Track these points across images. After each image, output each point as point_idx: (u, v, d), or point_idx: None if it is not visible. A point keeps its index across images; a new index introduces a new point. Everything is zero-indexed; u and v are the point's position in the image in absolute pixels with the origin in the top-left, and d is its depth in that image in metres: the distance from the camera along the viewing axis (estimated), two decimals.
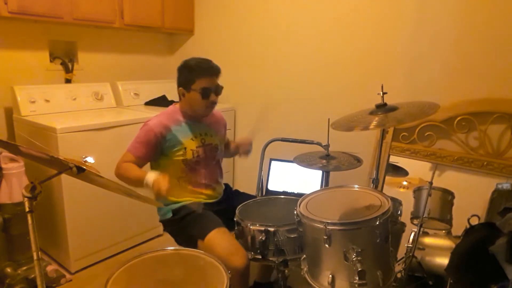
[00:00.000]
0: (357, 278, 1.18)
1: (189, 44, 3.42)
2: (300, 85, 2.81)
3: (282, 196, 1.92)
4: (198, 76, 1.71)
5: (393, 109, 1.50)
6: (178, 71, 1.78)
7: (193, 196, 1.81)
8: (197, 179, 1.82)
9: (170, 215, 1.78)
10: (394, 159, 2.39)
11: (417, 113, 1.48)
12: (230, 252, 1.53)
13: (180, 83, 1.77)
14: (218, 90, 1.78)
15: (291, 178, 2.68)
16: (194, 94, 1.73)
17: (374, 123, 1.44)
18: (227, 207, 1.84)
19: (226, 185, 2.03)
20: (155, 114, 2.59)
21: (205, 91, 1.72)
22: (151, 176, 1.56)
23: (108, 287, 1.17)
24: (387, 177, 2.40)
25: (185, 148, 1.76)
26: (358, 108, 1.67)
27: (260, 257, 1.56)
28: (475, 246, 1.41)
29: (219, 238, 1.59)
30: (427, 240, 1.90)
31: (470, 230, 1.53)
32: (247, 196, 2.02)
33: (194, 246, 1.63)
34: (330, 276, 1.27)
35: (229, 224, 1.68)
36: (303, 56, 2.76)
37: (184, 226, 1.72)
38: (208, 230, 1.62)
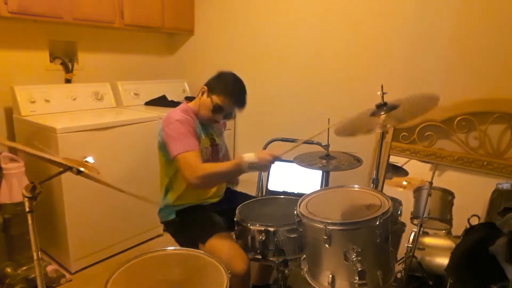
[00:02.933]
0: (357, 278, 1.18)
1: (189, 44, 3.42)
2: (300, 85, 2.81)
3: (282, 196, 1.91)
4: (224, 94, 1.69)
5: (394, 107, 1.49)
6: (217, 75, 1.76)
7: (198, 196, 1.82)
8: None
9: (173, 216, 1.78)
10: (394, 159, 2.39)
11: (418, 109, 1.47)
12: (231, 257, 1.53)
13: (209, 84, 1.75)
14: (228, 116, 1.78)
15: (291, 178, 2.68)
16: (209, 102, 1.72)
17: (377, 125, 1.44)
18: (228, 207, 1.84)
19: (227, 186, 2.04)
20: (154, 114, 2.61)
21: (217, 108, 1.71)
22: (249, 155, 1.53)
23: (108, 287, 1.17)
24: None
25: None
26: (358, 108, 1.66)
27: (260, 257, 1.56)
28: (475, 246, 1.41)
29: (220, 243, 1.59)
30: (427, 240, 1.91)
31: (470, 230, 1.53)
32: (247, 196, 2.02)
33: (195, 248, 1.63)
34: (330, 276, 1.27)
35: (230, 224, 1.68)
36: (303, 55, 2.76)
37: (186, 228, 1.72)
38: (210, 235, 1.62)
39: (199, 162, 1.57)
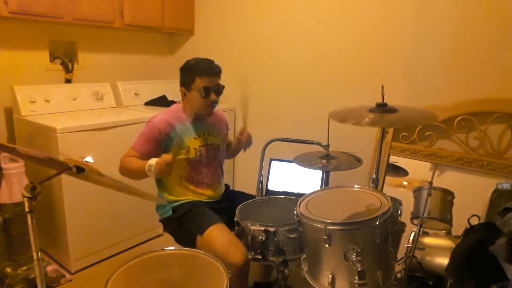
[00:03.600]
0: (357, 278, 1.18)
1: (189, 44, 3.42)
2: (300, 85, 2.81)
3: (282, 196, 1.92)
4: (198, 75, 1.73)
5: (392, 110, 1.50)
6: (180, 71, 1.80)
7: (194, 195, 1.82)
8: (199, 178, 1.82)
9: (170, 213, 1.79)
10: (394, 159, 2.39)
11: (412, 120, 1.48)
12: (229, 247, 1.53)
13: (182, 83, 1.79)
14: (218, 89, 1.78)
15: (291, 178, 2.68)
16: (195, 93, 1.74)
17: (367, 120, 1.45)
18: (227, 207, 1.84)
19: (226, 185, 2.03)
20: (155, 114, 2.60)
21: (205, 90, 1.73)
22: (153, 160, 1.60)
23: (108, 287, 1.17)
24: (387, 177, 2.40)
25: (189, 147, 1.77)
26: None
27: (260, 257, 1.56)
28: (475, 246, 1.41)
29: (218, 233, 1.60)
30: (427, 240, 1.90)
31: (470, 230, 1.53)
32: (247, 196, 2.02)
33: (193, 243, 1.64)
34: (330, 276, 1.27)
35: (230, 224, 1.68)
36: (303, 55, 2.76)
37: (183, 223, 1.73)
38: (207, 226, 1.62)
39: (128, 157, 1.73)
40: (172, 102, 3.07)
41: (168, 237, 1.87)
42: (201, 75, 1.73)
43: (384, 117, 1.47)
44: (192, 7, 3.29)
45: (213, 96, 1.76)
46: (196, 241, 1.64)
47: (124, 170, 1.73)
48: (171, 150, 1.76)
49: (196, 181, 1.82)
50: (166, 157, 1.58)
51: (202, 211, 1.73)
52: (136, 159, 1.71)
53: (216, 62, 1.81)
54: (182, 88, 1.79)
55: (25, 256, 2.13)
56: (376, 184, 1.82)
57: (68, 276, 2.28)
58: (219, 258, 1.31)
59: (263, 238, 1.52)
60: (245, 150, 2.01)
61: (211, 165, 1.86)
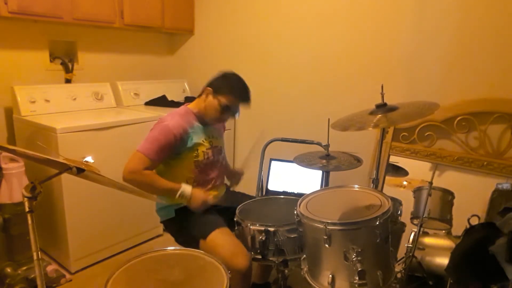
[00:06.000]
0: (357, 278, 1.19)
1: (189, 44, 3.42)
2: (300, 85, 2.81)
3: (282, 196, 1.92)
4: (233, 95, 1.72)
5: (393, 109, 1.50)
6: (221, 75, 1.78)
7: None
8: (205, 180, 1.82)
9: (173, 215, 1.78)
10: (394, 159, 2.39)
11: (414, 114, 1.49)
12: (233, 253, 1.53)
13: (212, 85, 1.76)
14: (235, 114, 1.80)
15: (291, 178, 2.68)
16: (216, 103, 1.73)
17: (370, 123, 1.45)
18: (228, 207, 1.84)
19: (226, 185, 2.04)
20: (155, 114, 2.61)
21: (225, 109, 1.74)
22: (187, 188, 1.66)
23: (108, 287, 1.17)
24: (387, 177, 2.40)
25: (198, 150, 1.77)
26: (359, 108, 1.67)
27: (260, 257, 1.56)
28: (475, 246, 1.41)
29: (221, 238, 1.59)
30: (427, 240, 1.90)
31: (470, 230, 1.53)
32: (247, 196, 2.02)
33: (196, 246, 1.63)
34: (330, 276, 1.27)
35: (230, 224, 1.68)
36: (303, 55, 2.76)
37: (186, 226, 1.72)
38: (210, 230, 1.62)
39: (143, 166, 1.64)
40: (172, 102, 3.08)
41: (168, 237, 1.87)
42: (234, 97, 1.73)
43: (386, 116, 1.47)
44: (192, 7, 3.29)
45: (227, 117, 1.80)
46: (199, 245, 1.63)
47: (143, 185, 1.62)
48: (182, 154, 1.74)
49: (202, 183, 1.82)
50: (205, 195, 1.69)
51: (205, 214, 1.73)
52: (158, 177, 1.69)
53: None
54: (209, 88, 1.75)
55: (25, 256, 2.13)
56: (376, 184, 1.82)
57: (68, 276, 2.28)
58: (222, 263, 1.31)
59: (263, 238, 1.52)
60: (229, 183, 2.09)
61: (216, 166, 1.87)
